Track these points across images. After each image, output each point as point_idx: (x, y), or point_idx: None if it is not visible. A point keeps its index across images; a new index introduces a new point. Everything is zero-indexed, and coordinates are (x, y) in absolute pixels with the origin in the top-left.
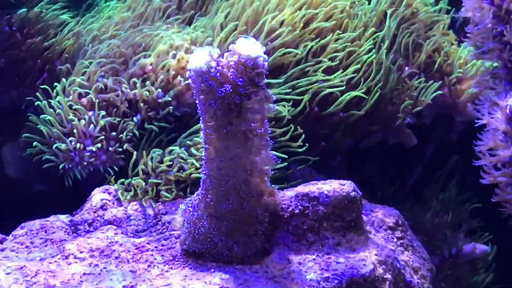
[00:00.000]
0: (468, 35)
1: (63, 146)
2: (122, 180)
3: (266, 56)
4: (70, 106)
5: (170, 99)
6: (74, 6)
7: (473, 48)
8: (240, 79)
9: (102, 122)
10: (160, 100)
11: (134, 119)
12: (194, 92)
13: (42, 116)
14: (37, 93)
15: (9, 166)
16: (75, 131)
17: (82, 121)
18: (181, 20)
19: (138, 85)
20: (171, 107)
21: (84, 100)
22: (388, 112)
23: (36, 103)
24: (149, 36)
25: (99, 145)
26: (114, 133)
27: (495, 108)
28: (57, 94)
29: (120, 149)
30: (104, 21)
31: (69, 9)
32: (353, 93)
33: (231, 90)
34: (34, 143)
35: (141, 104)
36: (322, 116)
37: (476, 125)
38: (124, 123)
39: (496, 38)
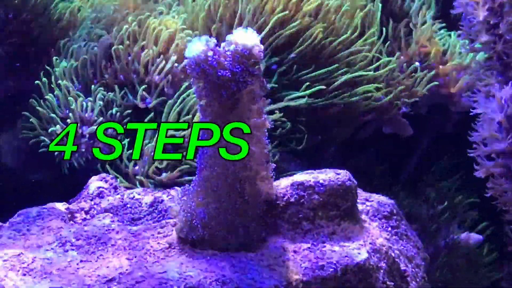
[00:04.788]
0: (461, 27)
1: (59, 130)
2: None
3: (262, 46)
4: (68, 91)
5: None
6: None
7: (467, 40)
8: (236, 68)
9: (100, 103)
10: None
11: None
12: (192, 80)
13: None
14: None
15: (5, 155)
16: (71, 114)
17: (79, 106)
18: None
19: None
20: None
21: (78, 85)
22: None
23: (36, 82)
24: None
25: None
26: (110, 117)
27: (490, 99)
28: (56, 79)
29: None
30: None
31: None
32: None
33: (228, 78)
34: (31, 120)
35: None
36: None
37: (471, 114)
38: (120, 106)
39: (489, 31)
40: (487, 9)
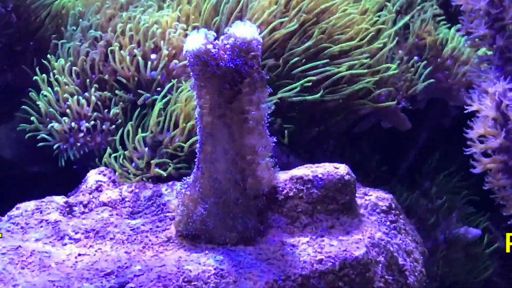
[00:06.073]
0: (461, 21)
1: (57, 126)
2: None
3: (261, 39)
4: (66, 85)
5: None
6: None
7: (466, 34)
8: (236, 61)
9: (94, 99)
10: (151, 77)
11: (126, 96)
12: (191, 73)
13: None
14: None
15: (4, 148)
16: (68, 111)
17: (76, 101)
18: None
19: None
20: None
21: (77, 80)
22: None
23: (34, 78)
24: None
25: (92, 122)
26: (107, 113)
27: (485, 95)
28: (53, 74)
29: (113, 126)
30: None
31: None
32: (362, 84)
33: (228, 70)
34: (32, 118)
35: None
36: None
37: (465, 112)
38: (115, 101)
39: (488, 24)
40: (487, 2)
